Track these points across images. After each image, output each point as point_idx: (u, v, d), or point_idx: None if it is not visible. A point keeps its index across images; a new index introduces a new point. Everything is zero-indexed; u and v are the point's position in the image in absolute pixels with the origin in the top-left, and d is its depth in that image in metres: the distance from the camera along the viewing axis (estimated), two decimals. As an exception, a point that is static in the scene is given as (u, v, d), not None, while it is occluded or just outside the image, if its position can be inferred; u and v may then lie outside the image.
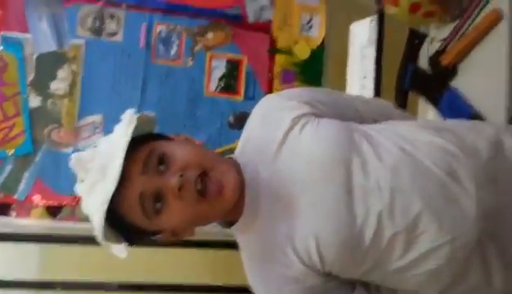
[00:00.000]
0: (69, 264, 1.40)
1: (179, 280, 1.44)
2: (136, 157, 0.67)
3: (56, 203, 1.39)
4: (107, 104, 1.41)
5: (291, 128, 0.73)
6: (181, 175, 0.66)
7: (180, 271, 1.45)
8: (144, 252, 1.43)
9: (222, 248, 1.41)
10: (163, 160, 0.68)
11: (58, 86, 1.40)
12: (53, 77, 1.40)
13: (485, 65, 1.17)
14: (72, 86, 1.41)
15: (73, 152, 1.39)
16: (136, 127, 0.68)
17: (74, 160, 0.71)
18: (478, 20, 1.18)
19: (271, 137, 0.74)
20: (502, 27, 1.10)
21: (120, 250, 0.72)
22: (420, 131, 0.74)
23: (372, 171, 0.68)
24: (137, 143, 0.68)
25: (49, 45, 1.39)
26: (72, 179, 1.32)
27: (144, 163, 0.68)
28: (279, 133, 0.73)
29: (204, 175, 0.67)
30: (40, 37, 1.39)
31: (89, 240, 1.37)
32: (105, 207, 0.65)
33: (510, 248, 0.69)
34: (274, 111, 0.77)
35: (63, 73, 1.40)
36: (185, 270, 1.46)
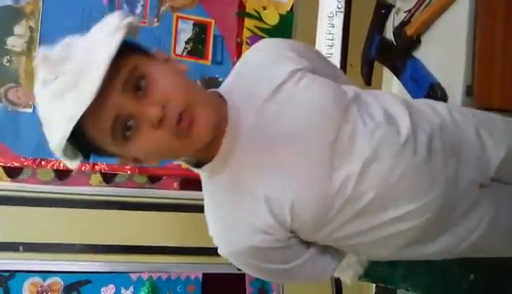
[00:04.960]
0: (30, 225, 1.38)
1: (147, 242, 1.46)
2: (117, 73, 0.58)
3: (16, 164, 1.35)
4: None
5: (287, 80, 0.71)
6: (163, 107, 0.59)
7: (147, 233, 1.47)
8: (110, 215, 1.44)
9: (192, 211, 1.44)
10: (143, 82, 0.60)
11: (15, 42, 1.32)
12: (9, 32, 1.32)
13: (446, 37, 1.21)
14: (30, 43, 1.33)
15: (33, 112, 1.36)
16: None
17: (41, 57, 0.60)
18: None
19: (264, 84, 0.71)
20: (464, 0, 1.13)
21: (73, 164, 0.65)
22: (395, 104, 0.76)
23: (357, 137, 0.69)
24: (118, 54, 0.57)
25: (3, -2, 1.30)
26: (33, 140, 1.30)
27: (125, 81, 0.59)
28: (273, 81, 0.70)
29: (184, 108, 0.60)
30: (-7, -10, 1.30)
31: (51, 202, 1.37)
32: (71, 125, 0.56)
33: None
34: (272, 57, 0.74)
35: (20, 29, 1.32)
36: (153, 233, 1.47)
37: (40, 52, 0.61)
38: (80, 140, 0.61)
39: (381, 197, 0.69)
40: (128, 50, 0.61)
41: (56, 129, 0.59)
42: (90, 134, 0.61)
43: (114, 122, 0.59)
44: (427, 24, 1.26)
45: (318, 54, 0.88)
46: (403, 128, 0.72)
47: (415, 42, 1.31)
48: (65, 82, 0.57)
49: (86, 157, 0.65)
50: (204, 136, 0.63)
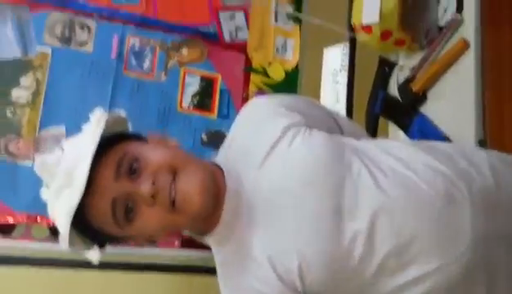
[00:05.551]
0: (20, 286, 1.27)
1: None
2: (108, 161, 0.64)
3: (10, 221, 1.27)
4: (71, 115, 1.33)
5: (281, 138, 0.69)
6: (153, 183, 0.62)
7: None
8: (112, 276, 1.33)
9: (198, 274, 1.34)
10: (135, 164, 0.64)
11: (20, 94, 1.31)
12: (16, 84, 1.31)
13: (454, 92, 1.22)
14: (35, 95, 1.32)
15: (32, 165, 1.32)
16: (107, 128, 0.65)
17: (39, 164, 0.67)
18: (446, 48, 1.24)
19: (259, 145, 0.70)
20: (469, 55, 1.16)
21: (91, 254, 0.67)
22: (412, 150, 0.72)
23: (364, 192, 0.65)
24: (108, 144, 0.64)
25: (13, 51, 1.31)
26: (31, 194, 1.23)
27: (117, 168, 0.64)
28: (267, 141, 0.70)
29: (174, 177, 0.64)
30: (3, 43, 1.31)
31: (44, 261, 1.27)
32: (70, 216, 0.61)
33: (499, 283, 0.68)
34: (262, 116, 0.74)
35: (26, 80, 1.32)
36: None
37: (38, 159, 0.67)
38: (90, 232, 0.65)
39: (397, 253, 0.64)
40: (119, 139, 0.67)
41: (61, 224, 0.63)
42: (96, 224, 0.64)
43: (112, 207, 0.63)
44: (433, 80, 1.28)
45: (310, 103, 0.86)
46: (417, 176, 0.68)
47: (421, 98, 1.32)
48: (60, 181, 0.62)
49: (101, 246, 0.68)
50: (199, 204, 0.64)
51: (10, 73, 1.31)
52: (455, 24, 1.19)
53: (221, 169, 0.71)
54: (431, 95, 1.30)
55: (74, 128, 1.33)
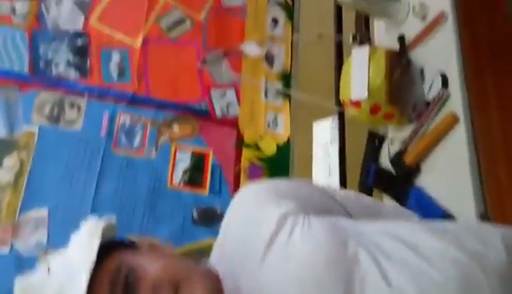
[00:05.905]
0: None
1: None
2: (101, 277, 0.56)
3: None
4: (55, 197, 1.27)
5: (278, 231, 0.63)
6: None
7: None
8: None
9: None
10: (130, 277, 0.58)
11: (2, 175, 1.25)
12: (-2, 165, 1.26)
13: (448, 164, 1.21)
14: (18, 175, 1.27)
15: (10, 251, 1.22)
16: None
17: (21, 288, 0.59)
18: (435, 121, 1.26)
19: (254, 241, 0.64)
20: (459, 128, 1.18)
21: None
22: (424, 236, 0.66)
23: (372, 288, 0.59)
24: (99, 256, 0.57)
25: (-2, 131, 1.28)
26: (6, 286, 1.12)
27: (111, 284, 0.57)
28: (263, 236, 0.63)
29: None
30: (-12, 123, 1.28)
31: None
32: None
33: None
34: (255, 207, 0.67)
35: (10, 161, 1.27)
36: None
37: (18, 282, 0.60)
38: None
39: None
40: (109, 248, 0.60)
41: None
42: None
43: None
44: (425, 153, 1.28)
45: (306, 185, 0.80)
46: (430, 266, 0.63)
47: (415, 170, 1.32)
48: None
49: None
50: None
51: (-8, 154, 1.27)
52: (443, 98, 1.23)
53: (214, 273, 0.65)
54: (425, 167, 1.29)
55: (55, 210, 1.29)
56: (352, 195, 0.93)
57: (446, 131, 1.21)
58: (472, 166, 1.13)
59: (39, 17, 1.42)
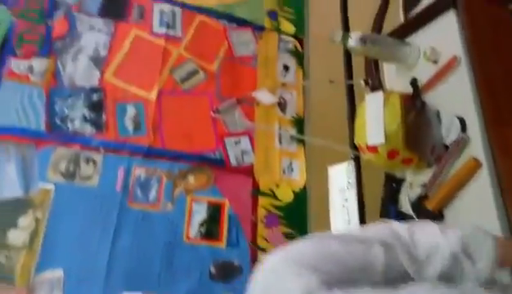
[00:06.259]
0: None
1: None
2: None
3: None
4: (70, 256, 1.24)
5: None
6: None
7: None
8: None
9: None
10: None
11: (17, 236, 1.23)
12: (12, 225, 1.24)
13: (472, 210, 1.17)
14: (33, 235, 1.25)
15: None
16: None
17: None
18: (455, 166, 1.23)
19: None
20: (482, 173, 1.14)
21: None
22: None
23: None
24: None
25: (13, 191, 1.27)
26: None
27: None
28: None
29: None
30: (5, 182, 1.28)
31: None
32: None
33: None
34: (276, 282, 0.64)
35: (25, 220, 1.25)
36: None
37: None
38: None
39: None
40: None
41: None
42: None
43: None
44: (448, 199, 1.24)
45: (334, 244, 0.71)
46: None
47: (438, 216, 1.27)
48: None
49: None
50: None
51: (8, 213, 1.25)
52: (462, 143, 1.20)
53: None
54: (448, 212, 1.25)
55: (70, 271, 1.25)
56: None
57: (470, 176, 1.18)
58: (499, 211, 1.09)
59: (56, 74, 1.44)
